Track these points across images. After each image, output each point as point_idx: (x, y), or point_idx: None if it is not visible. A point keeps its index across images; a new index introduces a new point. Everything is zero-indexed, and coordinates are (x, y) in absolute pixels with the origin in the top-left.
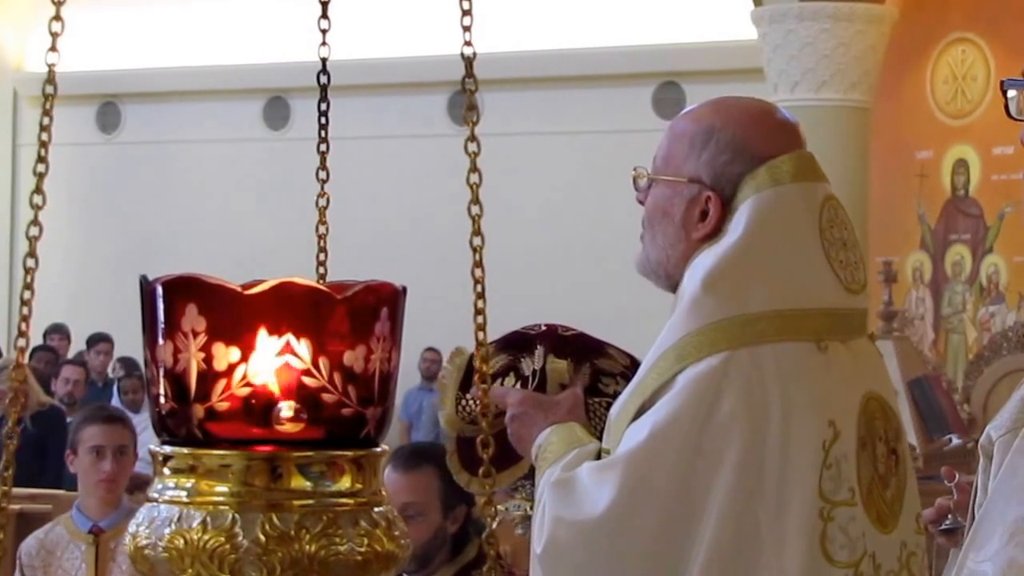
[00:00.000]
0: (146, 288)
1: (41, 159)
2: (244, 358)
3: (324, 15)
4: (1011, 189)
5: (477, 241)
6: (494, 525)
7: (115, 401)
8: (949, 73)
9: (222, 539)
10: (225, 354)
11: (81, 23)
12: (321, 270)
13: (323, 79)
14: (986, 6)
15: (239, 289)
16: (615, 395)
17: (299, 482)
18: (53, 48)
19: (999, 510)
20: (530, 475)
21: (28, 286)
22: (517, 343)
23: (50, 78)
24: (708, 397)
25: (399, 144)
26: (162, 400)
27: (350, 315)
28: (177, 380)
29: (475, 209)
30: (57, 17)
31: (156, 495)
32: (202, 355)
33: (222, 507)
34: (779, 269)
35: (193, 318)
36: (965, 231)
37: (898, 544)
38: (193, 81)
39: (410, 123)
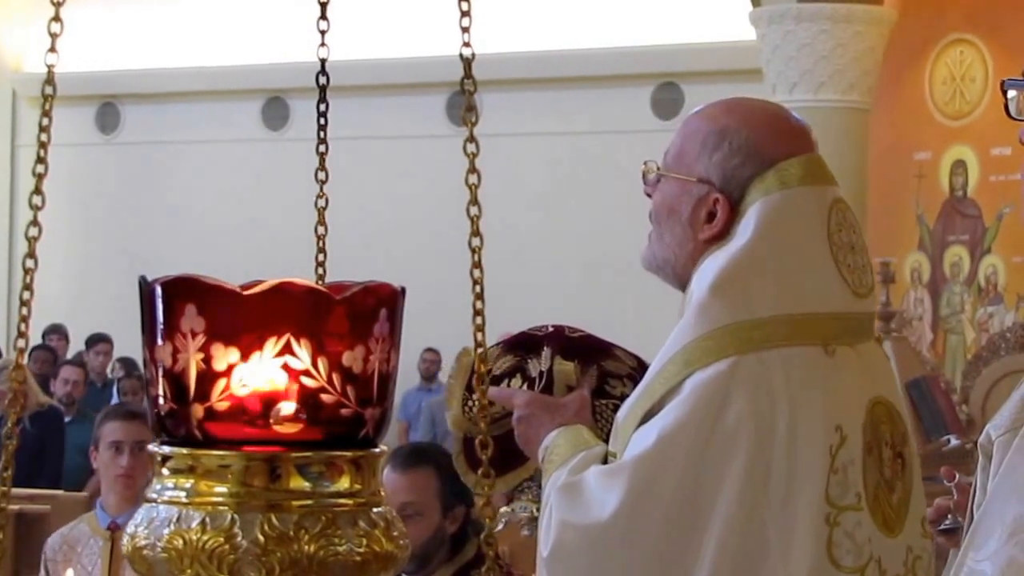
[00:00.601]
0: (145, 288)
1: (40, 160)
2: (243, 358)
3: (323, 16)
4: (1009, 190)
5: (476, 242)
6: (500, 526)
7: (115, 402)
8: (947, 74)
9: (221, 539)
10: (224, 354)
11: (80, 23)
12: (320, 271)
13: (322, 80)
14: (984, 7)
15: (238, 290)
16: (622, 397)
17: (298, 482)
18: (52, 49)
19: (998, 509)
20: (536, 476)
21: (27, 286)
22: (524, 344)
23: (49, 79)
24: (716, 403)
25: (398, 145)
26: (161, 400)
27: (349, 316)
28: (176, 380)
29: (474, 210)
30: (56, 18)
31: (155, 495)
32: (201, 355)
33: (221, 507)
34: (787, 273)
35: (192, 318)
36: (963, 232)
37: (904, 548)
38: (192, 81)
39: (409, 124)
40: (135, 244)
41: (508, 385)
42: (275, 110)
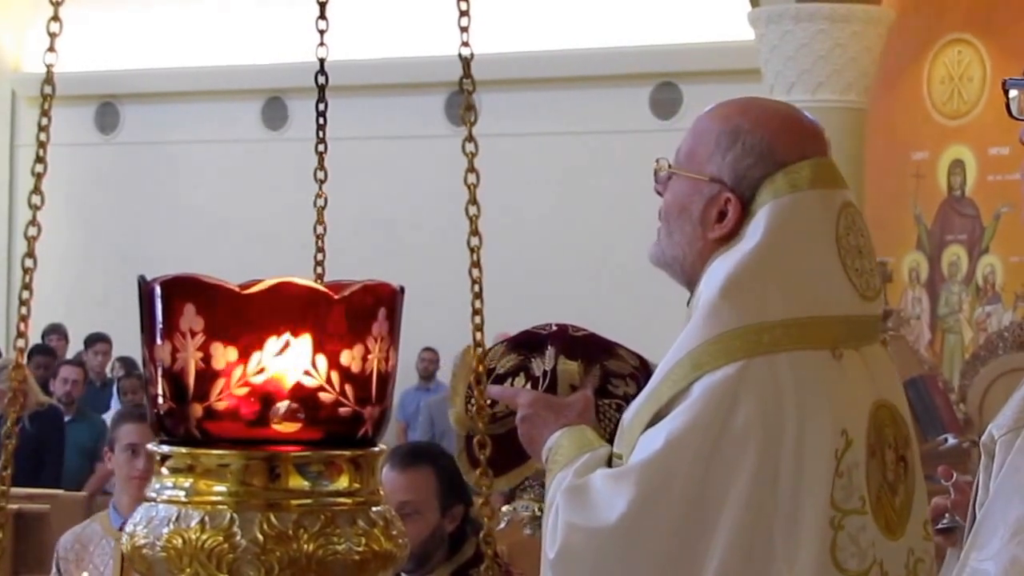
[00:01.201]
0: (144, 288)
1: (39, 159)
2: (242, 358)
3: (322, 16)
4: (1007, 189)
5: (475, 241)
6: (502, 524)
7: (115, 401)
8: (945, 74)
9: (220, 538)
10: (223, 354)
11: (79, 23)
12: (319, 270)
13: (321, 79)
14: (982, 7)
15: (237, 289)
16: (624, 396)
17: (297, 481)
18: (51, 48)
19: (1001, 509)
20: (538, 475)
21: (27, 286)
22: (528, 343)
23: (48, 78)
24: (724, 406)
25: (397, 144)
26: (160, 400)
27: (348, 315)
28: (175, 380)
29: (473, 209)
30: (55, 17)
31: (154, 494)
32: (200, 355)
33: (220, 506)
34: (796, 277)
35: (191, 318)
36: (961, 231)
37: (906, 551)
38: (192, 81)
39: (408, 123)
40: (134, 244)
41: (512, 384)
42: (274, 110)
